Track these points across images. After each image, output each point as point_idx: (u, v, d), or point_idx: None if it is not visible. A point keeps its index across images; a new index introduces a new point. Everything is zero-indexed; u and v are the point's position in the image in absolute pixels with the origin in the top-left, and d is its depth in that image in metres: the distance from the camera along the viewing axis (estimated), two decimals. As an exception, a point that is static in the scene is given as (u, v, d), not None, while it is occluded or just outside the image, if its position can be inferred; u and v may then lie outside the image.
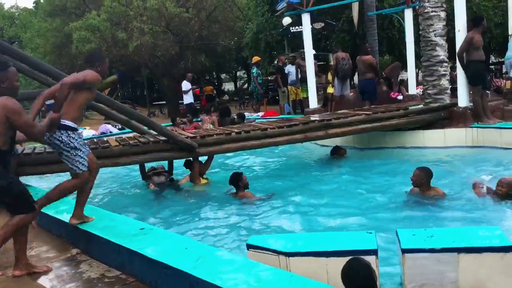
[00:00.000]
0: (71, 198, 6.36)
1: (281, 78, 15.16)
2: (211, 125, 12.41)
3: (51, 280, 3.75)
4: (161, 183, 7.70)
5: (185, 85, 17.07)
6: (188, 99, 17.24)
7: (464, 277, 3.07)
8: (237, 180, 6.65)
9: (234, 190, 6.69)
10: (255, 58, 16.50)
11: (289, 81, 14.79)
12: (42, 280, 3.75)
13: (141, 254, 3.41)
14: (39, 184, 7.81)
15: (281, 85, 15.16)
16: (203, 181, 7.64)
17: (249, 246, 3.50)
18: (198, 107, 20.53)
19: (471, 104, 8.82)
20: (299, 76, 14.06)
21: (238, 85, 35.30)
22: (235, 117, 12.59)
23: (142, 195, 7.61)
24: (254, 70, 16.08)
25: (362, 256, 2.98)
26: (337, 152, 8.93)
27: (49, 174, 7.51)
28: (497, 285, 3.04)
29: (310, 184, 6.97)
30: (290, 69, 14.73)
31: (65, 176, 8.14)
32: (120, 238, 3.80)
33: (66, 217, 4.66)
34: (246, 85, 31.09)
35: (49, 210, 4.97)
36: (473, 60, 8.43)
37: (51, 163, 6.70)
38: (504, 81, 10.51)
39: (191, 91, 17.33)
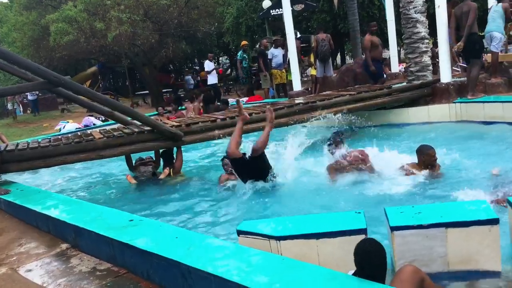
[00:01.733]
0: (61, 194, 6.34)
1: (263, 62, 15.05)
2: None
3: (41, 276, 3.73)
4: (148, 173, 7.63)
5: (208, 65, 16.64)
6: (212, 79, 16.62)
7: (453, 251, 3.12)
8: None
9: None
10: (243, 42, 16.38)
11: (273, 65, 14.72)
12: (33, 277, 3.72)
13: (132, 245, 3.40)
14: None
15: (263, 69, 15.07)
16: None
17: (240, 232, 3.51)
18: (182, 95, 20.40)
19: (454, 79, 8.89)
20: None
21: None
22: (219, 103, 12.56)
23: (127, 188, 7.55)
24: (239, 54, 15.97)
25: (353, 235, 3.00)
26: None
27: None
28: (485, 257, 3.10)
29: (296, 166, 6.96)
30: (274, 52, 14.65)
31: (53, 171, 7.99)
32: (109, 230, 3.77)
33: (53, 213, 4.63)
34: (229, 71, 30.90)
35: (36, 206, 4.94)
36: (476, 32, 8.48)
37: (34, 159, 6.64)
38: (485, 55, 10.58)
39: (214, 71, 16.79)
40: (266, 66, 14.95)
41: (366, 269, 2.58)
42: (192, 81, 22.77)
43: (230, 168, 6.62)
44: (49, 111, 25.67)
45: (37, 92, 23.16)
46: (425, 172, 5.67)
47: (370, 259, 2.62)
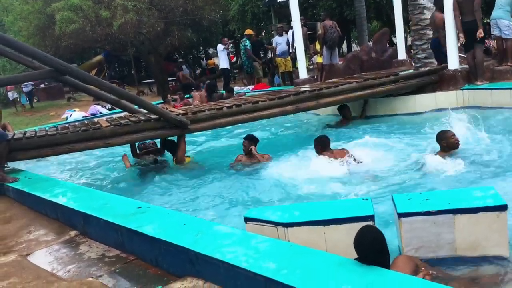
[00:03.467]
0: (65, 180, 6.39)
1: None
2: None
3: (51, 263, 3.77)
4: (151, 162, 7.65)
5: (220, 47, 16.44)
6: (223, 63, 16.47)
7: (460, 237, 3.12)
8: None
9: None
10: (248, 31, 16.25)
11: (277, 53, 14.67)
12: (42, 264, 3.76)
13: (141, 232, 3.42)
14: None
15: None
16: (187, 159, 7.61)
17: (247, 219, 3.52)
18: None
19: (462, 66, 8.81)
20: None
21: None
22: (223, 92, 12.56)
23: (133, 176, 7.58)
24: (247, 42, 15.85)
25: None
26: (344, 112, 9.02)
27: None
28: (493, 243, 3.10)
29: (307, 153, 6.96)
30: (278, 40, 14.59)
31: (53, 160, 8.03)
32: (118, 217, 3.80)
33: (62, 200, 4.66)
34: (235, 59, 30.76)
35: (45, 194, 4.98)
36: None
37: (42, 147, 6.68)
38: (492, 41, 10.47)
39: (226, 56, 16.61)
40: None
41: (370, 256, 2.58)
42: (187, 71, 22.82)
43: (250, 148, 6.83)
44: (55, 100, 25.72)
45: (32, 83, 22.94)
46: (451, 157, 5.58)
47: (372, 246, 2.63)
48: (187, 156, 7.67)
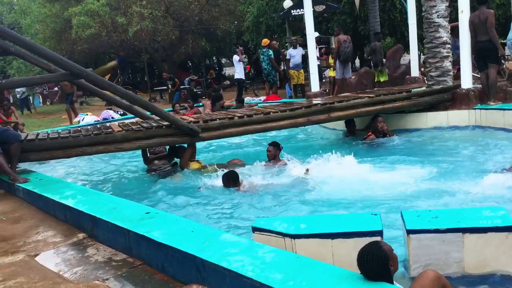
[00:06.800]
0: (75, 183, 6.43)
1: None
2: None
3: (58, 264, 3.79)
4: (165, 168, 7.68)
5: (235, 58, 16.30)
6: (239, 73, 16.23)
7: (468, 256, 3.10)
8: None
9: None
10: (265, 41, 16.17)
11: (291, 65, 14.71)
12: (50, 264, 3.78)
13: (148, 237, 3.44)
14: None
15: None
16: (195, 165, 7.61)
17: (255, 229, 3.53)
18: (199, 92, 20.48)
19: (475, 85, 8.79)
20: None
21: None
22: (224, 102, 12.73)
23: (142, 181, 7.60)
24: (271, 52, 15.83)
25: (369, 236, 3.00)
26: (350, 126, 9.06)
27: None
28: (501, 264, 3.07)
29: (315, 166, 6.95)
30: (292, 52, 14.64)
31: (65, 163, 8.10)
32: (126, 222, 3.82)
33: (71, 202, 4.70)
34: (246, 70, 30.89)
35: (54, 195, 5.02)
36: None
37: (54, 149, 6.74)
38: (506, 62, 10.44)
39: (242, 65, 16.41)
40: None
41: (375, 272, 2.54)
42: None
43: (273, 155, 7.09)
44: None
45: (23, 90, 22.47)
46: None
47: (377, 265, 2.56)
48: (197, 161, 7.70)
